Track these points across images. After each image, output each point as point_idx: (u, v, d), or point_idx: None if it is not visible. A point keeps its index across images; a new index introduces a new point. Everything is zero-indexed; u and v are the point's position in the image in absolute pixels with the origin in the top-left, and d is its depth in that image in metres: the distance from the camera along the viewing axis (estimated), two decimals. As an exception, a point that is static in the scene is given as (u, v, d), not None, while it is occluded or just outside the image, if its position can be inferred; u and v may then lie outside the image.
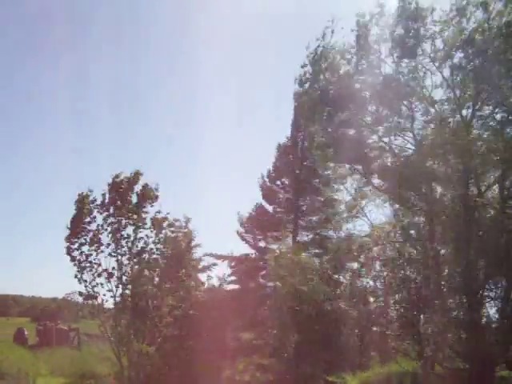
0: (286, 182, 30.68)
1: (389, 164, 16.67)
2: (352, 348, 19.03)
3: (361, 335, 16.60)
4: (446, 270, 15.54)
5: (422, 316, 15.53)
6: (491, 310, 15.54)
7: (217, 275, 27.57)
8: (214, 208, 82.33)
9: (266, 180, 30.68)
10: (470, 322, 14.66)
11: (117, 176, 17.79)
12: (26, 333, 41.00)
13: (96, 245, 17.21)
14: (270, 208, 30.67)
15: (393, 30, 15.58)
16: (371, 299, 16.72)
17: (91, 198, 17.72)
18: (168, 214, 18.14)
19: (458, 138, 14.78)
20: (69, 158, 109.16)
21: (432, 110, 15.97)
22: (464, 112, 15.64)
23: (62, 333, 41.57)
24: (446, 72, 15.54)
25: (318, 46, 16.35)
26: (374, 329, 16.77)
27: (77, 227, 17.32)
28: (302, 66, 16.86)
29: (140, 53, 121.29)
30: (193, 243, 26.36)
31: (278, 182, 30.90)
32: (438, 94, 15.93)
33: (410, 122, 16.16)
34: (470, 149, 14.65)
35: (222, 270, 29.56)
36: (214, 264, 29.05)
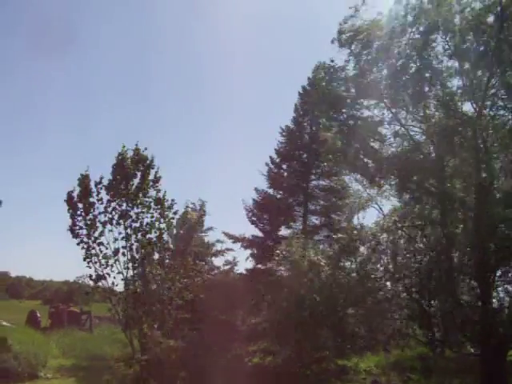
0: (293, 166, 30.42)
1: (400, 150, 16.53)
2: (361, 332, 18.99)
3: (370, 320, 16.53)
4: (457, 254, 15.45)
5: (432, 301, 15.47)
6: (502, 294, 15.49)
7: (227, 259, 27.63)
8: (224, 192, 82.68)
9: (271, 166, 30.42)
10: (481, 307, 14.61)
11: (120, 154, 17.53)
12: (38, 315, 41.35)
13: (100, 226, 17.12)
14: (276, 193, 30.46)
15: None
16: (381, 284, 16.66)
17: (97, 180, 17.57)
18: (165, 192, 17.89)
19: (468, 123, 14.72)
20: (79, 143, 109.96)
21: (445, 97, 15.83)
22: (476, 97, 15.51)
23: (74, 315, 41.81)
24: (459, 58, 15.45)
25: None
26: (385, 314, 16.70)
27: (77, 208, 17.21)
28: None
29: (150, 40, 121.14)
30: (204, 225, 26.36)
31: (284, 166, 30.66)
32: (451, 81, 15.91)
33: (421, 108, 16.02)
34: (482, 134, 14.60)
35: (235, 253, 29.57)
36: (229, 249, 29.06)
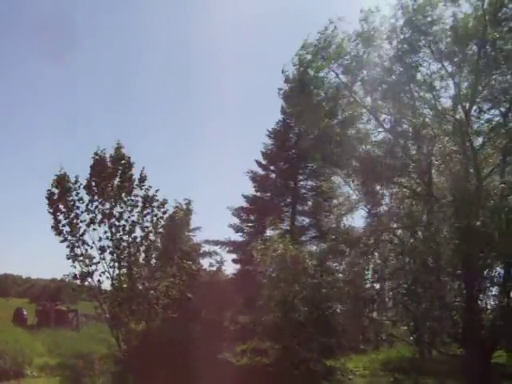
0: (280, 167, 30.46)
1: (388, 149, 16.57)
2: (348, 333, 19.10)
3: (357, 321, 16.58)
4: (444, 256, 15.50)
5: (419, 302, 15.51)
6: (488, 297, 15.57)
7: (215, 259, 27.63)
8: (210, 194, 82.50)
9: (258, 168, 30.46)
10: (468, 308, 14.69)
11: (96, 154, 17.32)
12: (25, 313, 41.13)
13: (83, 226, 16.98)
14: (263, 194, 30.51)
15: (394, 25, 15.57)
16: (367, 284, 16.71)
17: (74, 179, 17.37)
18: (157, 191, 17.77)
19: (457, 125, 14.82)
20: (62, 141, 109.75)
21: (431, 101, 15.93)
22: (464, 101, 15.62)
23: (60, 314, 41.61)
24: (447, 63, 15.56)
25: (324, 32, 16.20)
26: (371, 315, 16.76)
27: (58, 207, 17.04)
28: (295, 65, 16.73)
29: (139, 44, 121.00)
30: (191, 224, 26.30)
31: (272, 168, 30.68)
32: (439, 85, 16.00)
33: (410, 111, 16.08)
34: (470, 137, 14.71)
35: (222, 255, 29.58)
36: (215, 252, 29.06)
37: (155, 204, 17.74)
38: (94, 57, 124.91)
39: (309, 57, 16.39)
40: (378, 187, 17.23)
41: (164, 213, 17.97)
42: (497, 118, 15.56)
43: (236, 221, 30.08)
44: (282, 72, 16.96)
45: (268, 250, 17.69)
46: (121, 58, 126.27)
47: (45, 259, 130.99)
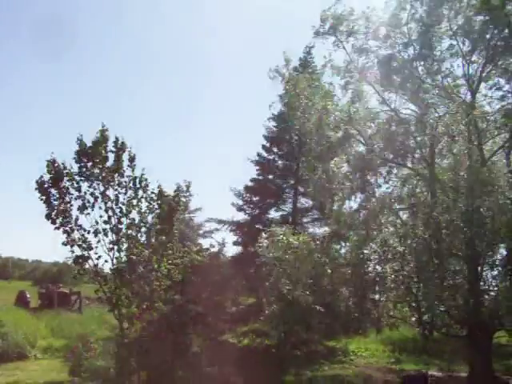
0: (283, 149, 30.40)
1: (392, 130, 16.41)
2: (349, 314, 19.12)
3: (359, 302, 16.57)
4: (446, 237, 15.44)
5: (420, 283, 15.49)
6: (490, 277, 15.55)
7: (217, 240, 27.63)
8: (213, 175, 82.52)
9: (262, 150, 30.38)
10: (469, 289, 14.68)
11: (80, 140, 17.00)
12: (28, 295, 41.33)
13: (77, 211, 16.79)
14: (266, 176, 30.46)
15: None
16: (370, 267, 16.66)
17: (67, 165, 17.10)
18: (144, 171, 17.51)
19: (463, 105, 14.66)
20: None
21: (438, 80, 15.77)
22: (471, 80, 15.46)
23: (63, 296, 41.87)
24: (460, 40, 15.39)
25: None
26: (373, 296, 16.75)
27: (49, 194, 16.80)
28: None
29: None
30: (191, 206, 26.19)
31: (275, 149, 30.59)
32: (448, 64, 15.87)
33: (416, 90, 15.89)
34: (475, 117, 14.56)
35: (224, 235, 29.59)
36: (217, 229, 29.09)
37: (144, 184, 17.46)
38: (100, 42, 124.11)
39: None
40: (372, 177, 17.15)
41: (156, 194, 17.72)
42: (505, 99, 15.39)
43: (239, 201, 30.05)
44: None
45: (271, 237, 17.64)
46: (127, 41, 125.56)
47: (46, 242, 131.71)
